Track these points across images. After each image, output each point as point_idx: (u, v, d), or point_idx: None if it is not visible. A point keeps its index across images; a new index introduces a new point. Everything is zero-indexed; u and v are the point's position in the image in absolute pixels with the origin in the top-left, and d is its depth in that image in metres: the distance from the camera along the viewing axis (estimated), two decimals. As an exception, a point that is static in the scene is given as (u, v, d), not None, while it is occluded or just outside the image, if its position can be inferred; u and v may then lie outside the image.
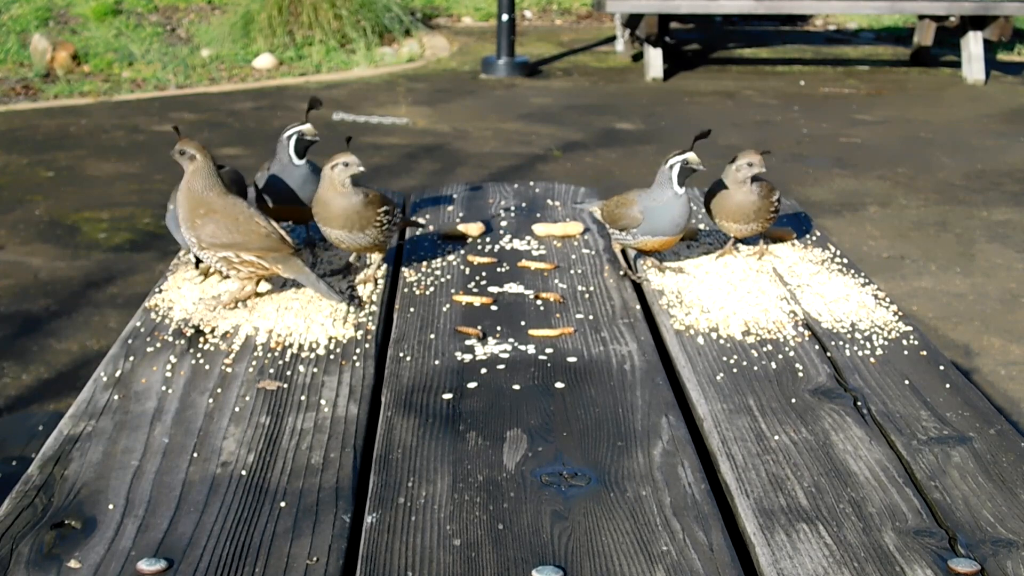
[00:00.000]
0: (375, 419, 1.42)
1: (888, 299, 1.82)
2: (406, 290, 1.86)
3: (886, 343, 1.65)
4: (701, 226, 2.16)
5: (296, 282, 1.84)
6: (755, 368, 1.56)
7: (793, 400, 1.46)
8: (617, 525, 1.16)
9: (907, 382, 1.52)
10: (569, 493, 1.22)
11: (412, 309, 1.78)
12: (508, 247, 2.08)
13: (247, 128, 6.33)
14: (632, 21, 7.96)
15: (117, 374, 1.53)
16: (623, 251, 1.96)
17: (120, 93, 7.21)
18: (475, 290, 1.86)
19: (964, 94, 7.61)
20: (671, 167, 1.85)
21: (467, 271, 1.95)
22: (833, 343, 1.65)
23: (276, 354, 1.59)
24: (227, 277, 1.81)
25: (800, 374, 1.54)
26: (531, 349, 1.62)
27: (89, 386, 1.49)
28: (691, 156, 1.85)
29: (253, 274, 1.75)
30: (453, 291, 1.85)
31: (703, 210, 2.10)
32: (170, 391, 1.48)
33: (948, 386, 1.51)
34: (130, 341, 1.64)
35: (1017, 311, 3.98)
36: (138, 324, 1.70)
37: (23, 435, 2.98)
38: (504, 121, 6.62)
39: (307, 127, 1.92)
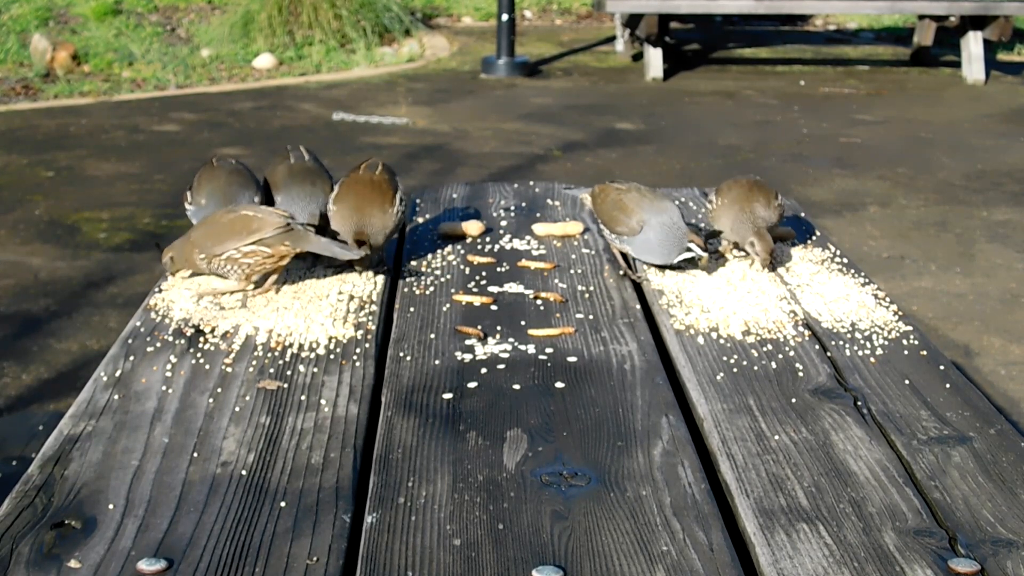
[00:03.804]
0: (375, 419, 1.42)
1: (888, 299, 1.82)
2: (406, 290, 1.86)
3: (886, 343, 1.65)
4: (701, 226, 2.16)
5: (295, 281, 1.84)
6: (755, 368, 1.56)
7: (793, 400, 1.46)
8: (617, 525, 1.16)
9: (907, 382, 1.52)
10: (569, 493, 1.22)
11: (412, 309, 1.78)
12: (508, 247, 2.07)
13: (247, 128, 6.33)
14: (632, 21, 7.96)
15: (117, 374, 1.53)
16: (622, 251, 1.96)
17: (120, 93, 7.21)
18: (475, 290, 1.86)
19: (964, 94, 7.61)
20: (687, 250, 1.86)
21: (467, 271, 1.95)
22: (833, 343, 1.65)
23: (276, 354, 1.59)
24: (256, 284, 1.82)
25: (800, 374, 1.54)
26: (531, 349, 1.62)
27: (89, 386, 1.49)
28: (704, 256, 1.86)
29: (265, 264, 1.77)
30: (453, 291, 1.85)
31: (709, 203, 2.10)
32: (170, 391, 1.47)
33: (948, 386, 1.51)
34: (130, 341, 1.64)
35: (1017, 311, 3.98)
36: (138, 324, 1.70)
37: (23, 435, 2.98)
38: (504, 121, 6.62)
39: None
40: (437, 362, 1.57)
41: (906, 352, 1.62)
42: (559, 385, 1.50)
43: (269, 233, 1.75)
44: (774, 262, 1.92)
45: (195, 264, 1.80)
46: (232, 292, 1.79)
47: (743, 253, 1.98)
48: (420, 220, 2.25)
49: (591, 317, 1.74)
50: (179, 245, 1.83)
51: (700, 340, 1.65)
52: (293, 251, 1.78)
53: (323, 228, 1.90)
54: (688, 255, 1.86)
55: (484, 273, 1.94)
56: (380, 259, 1.93)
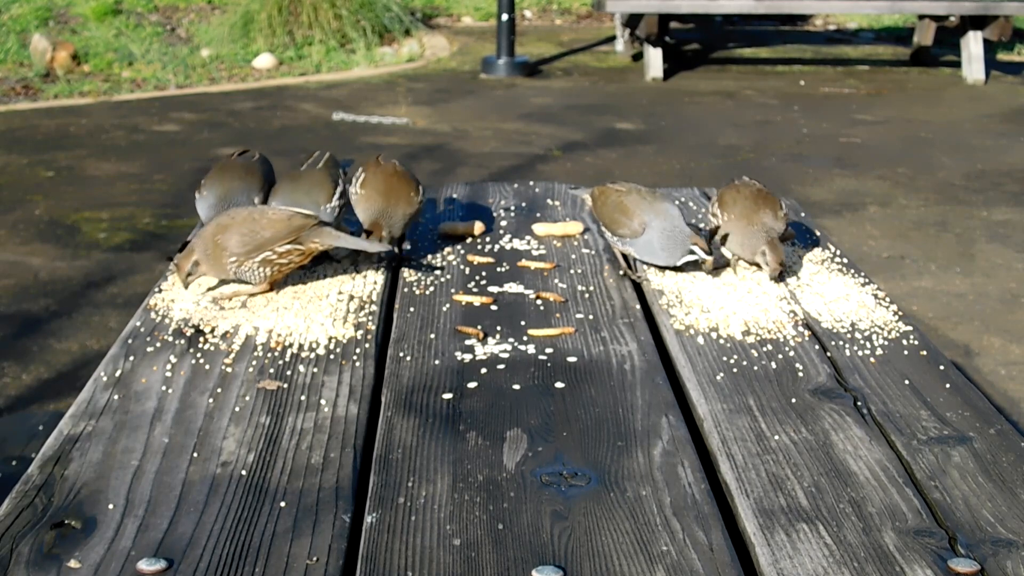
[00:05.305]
0: (375, 419, 1.42)
1: (888, 299, 1.82)
2: (406, 290, 1.86)
3: (886, 343, 1.65)
4: (701, 225, 2.16)
5: (295, 281, 1.84)
6: (755, 368, 1.56)
7: (793, 400, 1.46)
8: (617, 525, 1.16)
9: (907, 382, 1.52)
10: (569, 493, 1.22)
11: (412, 309, 1.78)
12: (508, 247, 2.07)
13: (247, 128, 6.33)
14: (632, 21, 7.97)
15: (117, 374, 1.53)
16: (624, 252, 1.96)
17: (120, 93, 7.21)
18: (475, 290, 1.86)
19: (964, 94, 7.61)
20: (690, 252, 1.85)
21: (467, 271, 1.95)
22: (833, 343, 1.65)
23: (276, 354, 1.59)
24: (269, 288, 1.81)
25: (800, 374, 1.54)
26: (531, 349, 1.62)
27: (89, 386, 1.49)
28: (709, 260, 1.84)
29: (295, 262, 1.78)
30: (453, 291, 1.85)
31: (711, 203, 2.09)
32: (170, 391, 1.47)
33: (948, 386, 1.51)
34: (130, 341, 1.64)
35: (1017, 311, 3.98)
36: (138, 324, 1.70)
37: (23, 435, 2.98)
38: (504, 121, 6.62)
39: None
40: (437, 362, 1.57)
41: (906, 352, 1.62)
42: (559, 385, 1.50)
43: (305, 232, 1.77)
44: (783, 273, 1.89)
45: (223, 269, 1.77)
46: (254, 294, 1.79)
47: (752, 267, 1.96)
48: (420, 220, 2.25)
49: (591, 317, 1.74)
50: (201, 251, 1.77)
51: (700, 340, 1.65)
52: (321, 248, 1.79)
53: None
54: (691, 257, 1.86)
55: (484, 273, 1.94)
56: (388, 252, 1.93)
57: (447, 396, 1.46)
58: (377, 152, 2.01)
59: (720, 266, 1.91)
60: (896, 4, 7.90)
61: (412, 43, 8.61)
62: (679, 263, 1.87)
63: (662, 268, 1.93)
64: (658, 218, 1.87)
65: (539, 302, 1.81)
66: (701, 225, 2.17)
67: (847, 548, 1.13)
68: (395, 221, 1.91)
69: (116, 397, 1.46)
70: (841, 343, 1.65)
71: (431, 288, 1.86)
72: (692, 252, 1.85)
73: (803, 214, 2.29)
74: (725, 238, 1.92)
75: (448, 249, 2.06)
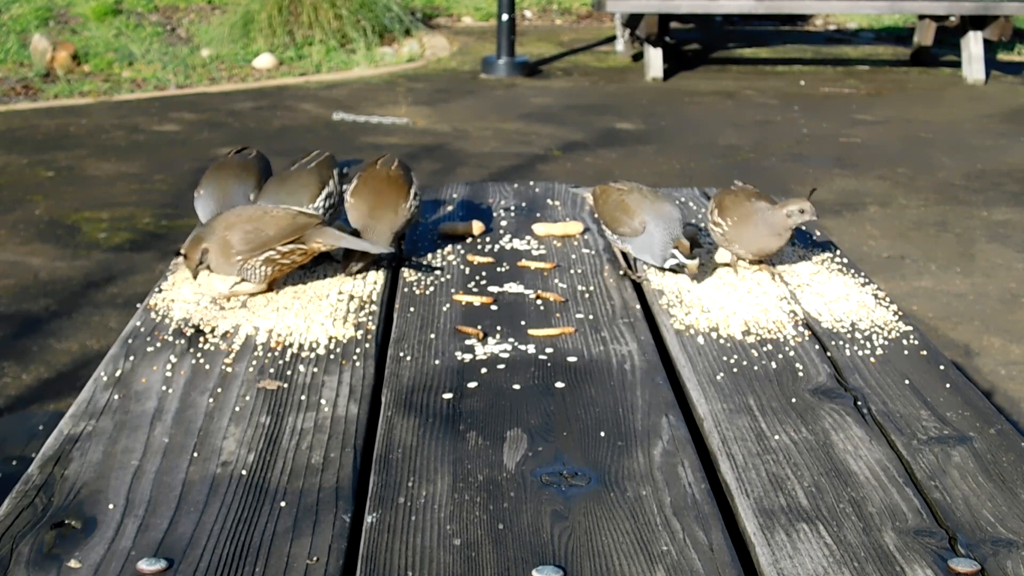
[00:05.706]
0: (375, 419, 1.42)
1: (888, 299, 1.82)
2: (406, 290, 1.86)
3: (886, 343, 1.65)
4: (701, 226, 2.16)
5: (295, 281, 1.84)
6: (755, 368, 1.56)
7: (793, 400, 1.46)
8: (617, 525, 1.16)
9: (907, 382, 1.52)
10: (569, 493, 1.22)
11: (412, 309, 1.78)
12: (508, 247, 2.07)
13: (247, 128, 6.33)
14: (632, 21, 7.97)
15: (117, 374, 1.53)
16: (623, 251, 1.96)
17: (120, 93, 7.21)
18: (475, 290, 1.86)
19: (964, 94, 7.61)
20: (673, 259, 1.83)
21: (467, 271, 1.95)
22: (833, 343, 1.65)
23: (276, 354, 1.59)
24: (268, 288, 1.81)
25: (800, 374, 1.54)
26: (531, 349, 1.62)
27: (89, 386, 1.49)
28: (691, 265, 1.82)
29: (296, 262, 1.79)
30: (453, 291, 1.85)
31: (708, 211, 2.09)
32: (170, 391, 1.47)
33: (948, 386, 1.51)
34: (130, 341, 1.64)
35: (1017, 311, 3.98)
36: (138, 324, 1.70)
37: (23, 435, 2.98)
38: (504, 121, 6.62)
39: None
40: (437, 362, 1.57)
41: (906, 352, 1.62)
42: (559, 385, 1.50)
43: (309, 231, 1.77)
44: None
45: (228, 266, 1.77)
46: (254, 294, 1.79)
47: (752, 267, 1.95)
48: (420, 220, 2.25)
49: (591, 317, 1.74)
50: (212, 243, 1.76)
51: (700, 340, 1.65)
52: (323, 248, 1.79)
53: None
54: (673, 261, 1.84)
55: (484, 273, 1.94)
56: (378, 257, 1.93)
57: (447, 396, 1.46)
58: (377, 152, 2.01)
59: (703, 266, 1.90)
60: (896, 4, 7.90)
61: (412, 43, 8.61)
62: (665, 265, 1.86)
63: (661, 268, 1.93)
64: (658, 218, 1.87)
65: (539, 302, 1.81)
66: (701, 226, 2.17)
67: (847, 548, 1.13)
68: (382, 231, 1.89)
69: (116, 397, 1.46)
70: (841, 343, 1.65)
71: (431, 288, 1.86)
72: (673, 256, 1.83)
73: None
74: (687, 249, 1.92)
75: (448, 249, 2.06)
